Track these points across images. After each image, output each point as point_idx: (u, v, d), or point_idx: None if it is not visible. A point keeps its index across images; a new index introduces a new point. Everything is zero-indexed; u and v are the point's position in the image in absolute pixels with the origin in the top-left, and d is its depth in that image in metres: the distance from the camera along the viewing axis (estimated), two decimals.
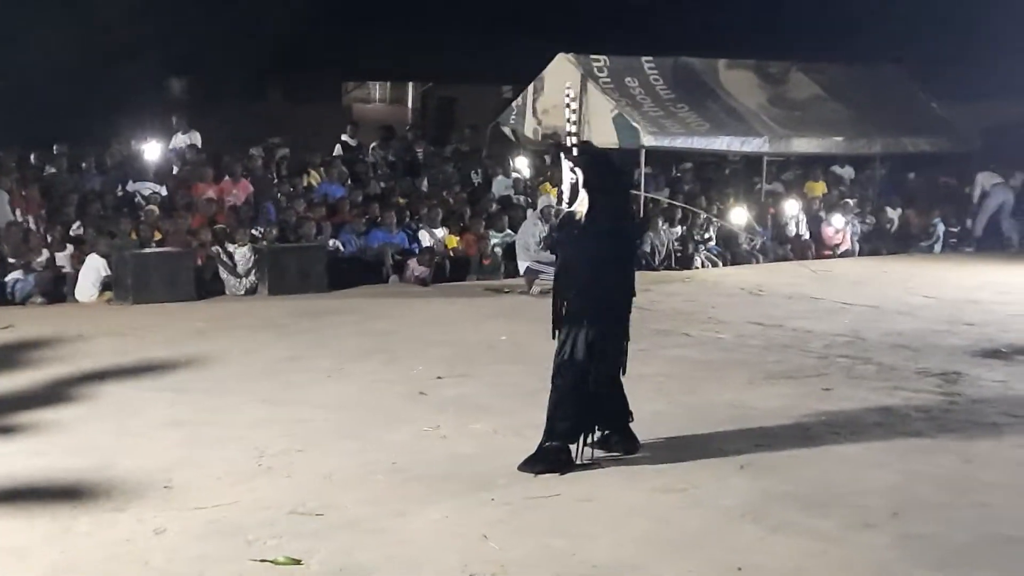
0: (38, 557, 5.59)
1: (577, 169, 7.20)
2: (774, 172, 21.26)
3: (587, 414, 7.07)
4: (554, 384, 7.09)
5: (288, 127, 21.27)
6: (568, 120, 8.06)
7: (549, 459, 6.97)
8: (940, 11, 24.46)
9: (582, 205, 7.02)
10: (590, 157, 7.47)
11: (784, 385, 9.43)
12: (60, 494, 6.50)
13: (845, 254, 18.84)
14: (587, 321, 6.99)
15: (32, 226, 14.35)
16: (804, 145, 19.72)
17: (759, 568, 5.55)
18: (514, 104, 20.15)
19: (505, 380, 9.40)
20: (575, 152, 7.55)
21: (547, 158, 19.25)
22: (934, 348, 11.06)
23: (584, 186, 7.05)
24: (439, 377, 9.52)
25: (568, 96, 8.13)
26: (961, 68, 23.46)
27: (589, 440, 7.12)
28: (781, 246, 18.50)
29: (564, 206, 7.30)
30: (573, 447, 7.04)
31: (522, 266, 15.06)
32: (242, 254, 14.14)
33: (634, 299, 7.26)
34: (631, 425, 7.31)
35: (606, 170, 7.31)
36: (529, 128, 19.44)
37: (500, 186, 18.77)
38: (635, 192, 7.37)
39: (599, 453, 7.15)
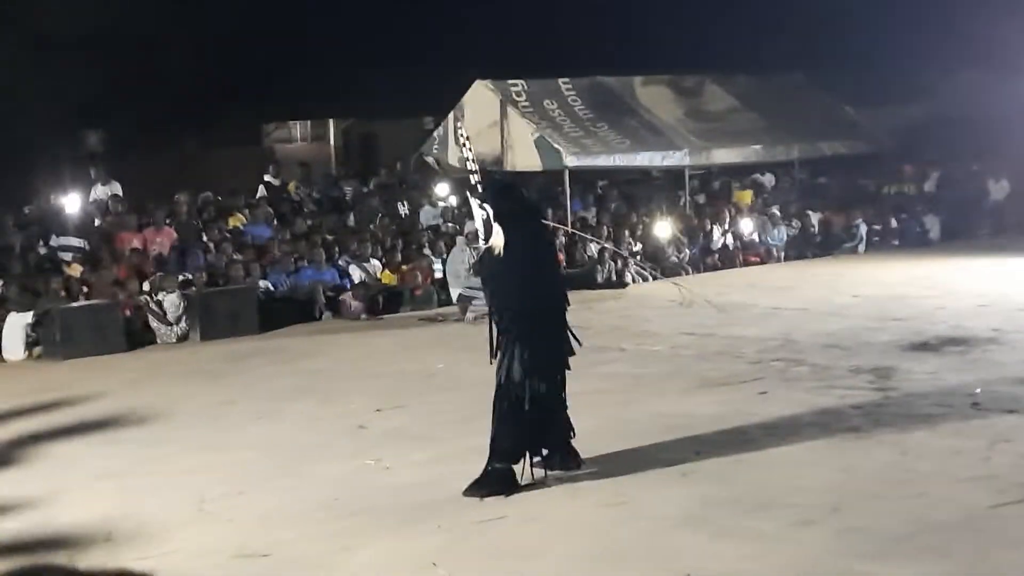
0: None
1: (486, 205, 7.33)
2: (697, 185, 21.53)
3: (529, 434, 7.11)
4: (495, 407, 7.12)
5: (210, 171, 21.15)
6: (467, 159, 8.13)
7: (494, 482, 6.98)
8: (840, 21, 24.96)
9: (498, 238, 7.13)
10: (494, 190, 7.59)
11: (720, 392, 9.52)
12: (1, 552, 6.39)
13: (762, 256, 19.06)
14: (520, 342, 7.05)
15: None
16: (724, 155, 20.00)
17: (705, 573, 5.59)
18: (435, 133, 20.21)
19: (444, 408, 9.40)
20: (479, 189, 7.71)
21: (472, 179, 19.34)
22: (865, 345, 11.23)
23: (496, 219, 7.17)
24: (378, 410, 9.49)
25: (462, 136, 8.26)
26: (865, 74, 24.02)
27: (533, 460, 7.15)
28: (709, 256, 18.70)
29: (481, 242, 7.45)
30: (517, 468, 7.06)
31: (454, 293, 15.07)
32: (171, 301, 13.99)
33: (567, 311, 7.31)
34: (573, 441, 7.35)
35: (511, 197, 7.46)
36: (452, 156, 19.50)
37: (427, 215, 18.80)
38: (545, 221, 7.66)
39: (543, 472, 7.17)
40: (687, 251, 18.44)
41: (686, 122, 20.07)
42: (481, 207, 7.42)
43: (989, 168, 22.12)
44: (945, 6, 23.51)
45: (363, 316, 15.01)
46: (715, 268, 18.40)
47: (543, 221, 7.57)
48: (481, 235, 7.42)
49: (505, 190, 7.63)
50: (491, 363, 7.18)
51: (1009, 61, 22.17)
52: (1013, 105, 21.65)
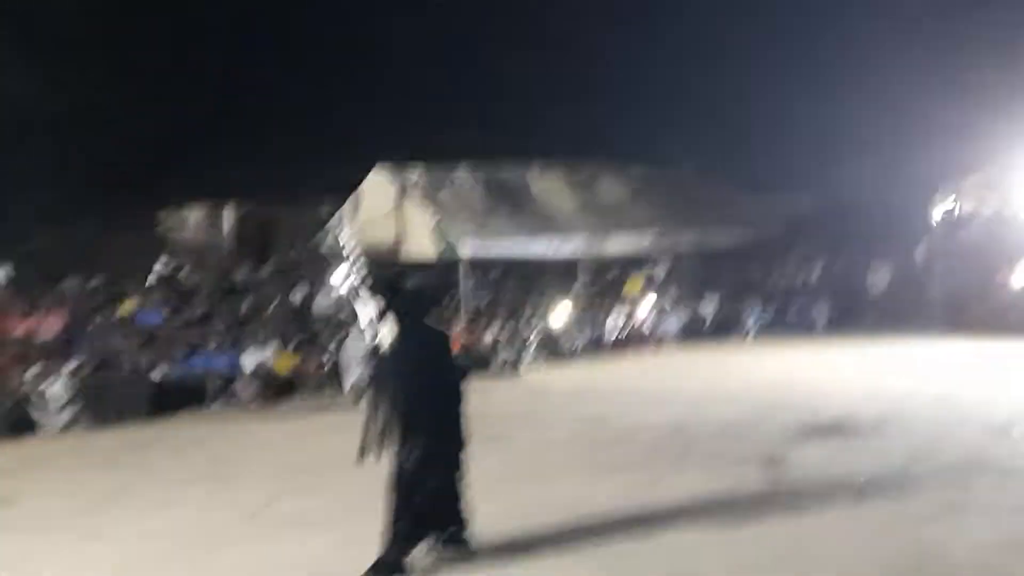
0: None
1: (378, 301, 7.43)
2: (591, 273, 21.82)
3: (422, 521, 7.10)
4: (389, 496, 7.11)
5: (102, 257, 20.79)
6: (351, 258, 8.24)
7: (387, 570, 6.94)
8: (729, 112, 25.76)
9: (387, 335, 7.22)
10: (381, 288, 7.72)
11: (614, 479, 9.58)
12: None
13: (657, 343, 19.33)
14: (415, 433, 7.09)
15: None
16: (618, 245, 20.33)
17: None
18: (332, 221, 20.23)
19: (338, 494, 9.28)
20: (365, 287, 7.87)
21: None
22: (755, 432, 11.41)
23: (389, 314, 7.24)
24: (270, 499, 9.35)
25: (344, 238, 8.43)
26: (754, 164, 24.74)
27: (425, 546, 7.15)
28: (603, 343, 18.90)
29: (368, 340, 7.71)
30: (410, 556, 7.04)
31: (347, 382, 14.99)
32: (58, 389, 13.66)
33: (463, 403, 7.37)
34: (467, 529, 7.34)
35: (399, 295, 7.55)
36: (348, 244, 19.51)
37: (322, 303, 18.70)
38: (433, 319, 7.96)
39: (431, 558, 7.15)
40: (582, 338, 18.63)
41: (581, 212, 20.41)
42: (367, 304, 7.47)
43: (871, 257, 22.82)
44: (830, 101, 24.41)
45: (255, 403, 14.83)
46: (609, 355, 18.59)
47: (433, 315, 7.63)
48: (368, 333, 7.44)
49: (392, 288, 7.70)
50: (360, 459, 7.15)
51: (891, 151, 23.04)
52: (895, 194, 22.44)
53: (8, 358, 14.43)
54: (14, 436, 13.09)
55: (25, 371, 14.03)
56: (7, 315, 15.69)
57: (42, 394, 13.63)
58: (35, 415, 13.57)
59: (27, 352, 14.68)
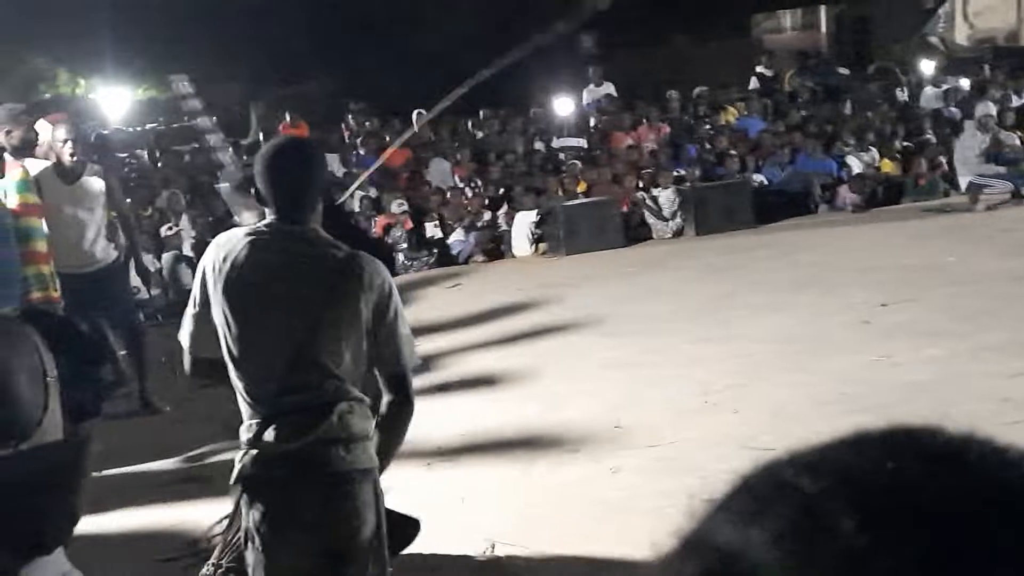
0: (501, 500, 5.78)
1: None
2: None
3: None
4: None
5: (699, 66, 21.03)
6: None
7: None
8: None
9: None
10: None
11: None
12: (517, 439, 6.72)
13: None
14: None
15: (468, 189, 15.06)
16: None
17: None
18: (940, 11, 18.95)
19: (956, 303, 8.77)
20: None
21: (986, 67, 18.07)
22: None
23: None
24: (883, 304, 9.04)
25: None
26: None
27: None
28: None
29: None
30: None
31: (963, 181, 14.07)
32: (666, 197, 14.14)
33: None
34: None
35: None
36: (960, 34, 18.24)
37: (929, 99, 17.70)
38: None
39: None
40: None
41: None
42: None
43: None
44: None
45: (861, 208, 14.41)
46: None
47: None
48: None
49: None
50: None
51: None
52: None
53: (620, 168, 15.14)
54: (629, 243, 13.79)
55: (636, 181, 14.65)
56: (616, 128, 16.42)
57: (653, 202, 14.18)
58: (647, 222, 14.19)
59: (636, 162, 15.31)
